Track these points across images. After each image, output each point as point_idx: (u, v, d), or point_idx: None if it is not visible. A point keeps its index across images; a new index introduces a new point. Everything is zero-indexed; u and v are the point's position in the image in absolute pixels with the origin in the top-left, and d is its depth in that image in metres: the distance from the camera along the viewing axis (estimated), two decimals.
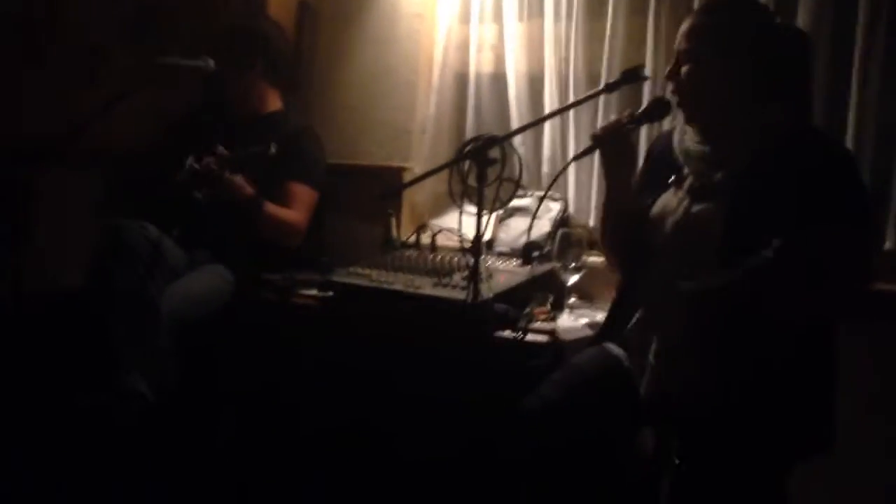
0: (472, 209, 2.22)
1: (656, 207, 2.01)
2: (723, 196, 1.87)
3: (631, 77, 2.10)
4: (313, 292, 2.69)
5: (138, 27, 3.83)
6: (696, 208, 1.92)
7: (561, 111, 2.81)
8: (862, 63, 2.44)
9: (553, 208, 2.91)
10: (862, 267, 1.80)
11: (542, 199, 2.48)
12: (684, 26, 1.97)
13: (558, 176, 2.32)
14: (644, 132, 2.70)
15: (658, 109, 2.07)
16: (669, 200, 1.99)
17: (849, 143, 2.45)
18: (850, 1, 2.48)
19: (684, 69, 1.94)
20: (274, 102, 3.09)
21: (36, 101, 3.84)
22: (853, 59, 2.46)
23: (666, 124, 2.47)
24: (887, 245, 2.43)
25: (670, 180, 2.00)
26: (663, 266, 1.96)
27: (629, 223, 2.07)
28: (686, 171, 1.99)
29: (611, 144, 2.05)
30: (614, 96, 2.74)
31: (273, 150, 2.65)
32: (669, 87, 2.00)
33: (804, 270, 1.70)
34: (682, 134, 2.04)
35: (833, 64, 2.49)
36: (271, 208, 2.82)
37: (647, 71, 2.71)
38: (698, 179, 1.95)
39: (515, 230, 2.93)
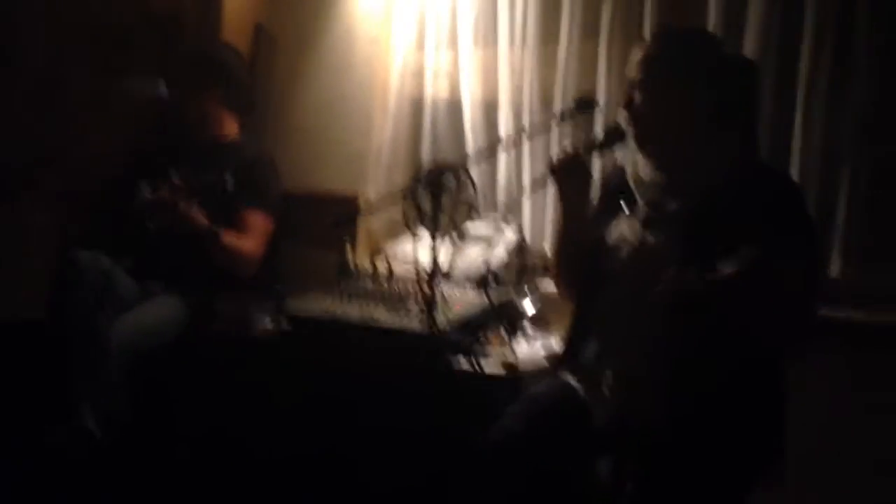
0: (428, 237, 2.21)
1: (611, 237, 2.02)
2: (676, 226, 1.90)
3: (583, 106, 2.12)
4: (267, 323, 2.66)
5: (94, 52, 3.80)
6: (649, 238, 1.94)
7: (515, 141, 2.83)
8: (806, 91, 2.49)
9: (508, 236, 2.91)
10: (809, 288, 1.83)
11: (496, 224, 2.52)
12: (637, 55, 1.99)
13: (511, 206, 2.34)
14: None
15: (613, 137, 2.08)
16: (623, 230, 2.00)
17: (794, 171, 2.49)
18: (795, 27, 2.52)
19: (637, 99, 1.96)
20: (231, 128, 3.06)
21: None
22: (797, 86, 2.50)
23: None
24: (832, 273, 2.47)
25: (625, 210, 2.02)
26: (617, 295, 1.97)
27: (583, 253, 2.07)
28: (640, 201, 2.00)
29: (567, 174, 2.07)
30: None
31: (228, 179, 2.63)
32: (623, 114, 2.02)
33: (768, 285, 1.74)
34: (634, 164, 2.05)
35: (778, 92, 2.54)
36: (226, 238, 2.80)
37: (600, 96, 2.77)
38: (652, 210, 1.97)
39: (472, 258, 2.91)
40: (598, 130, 2.55)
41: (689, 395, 1.82)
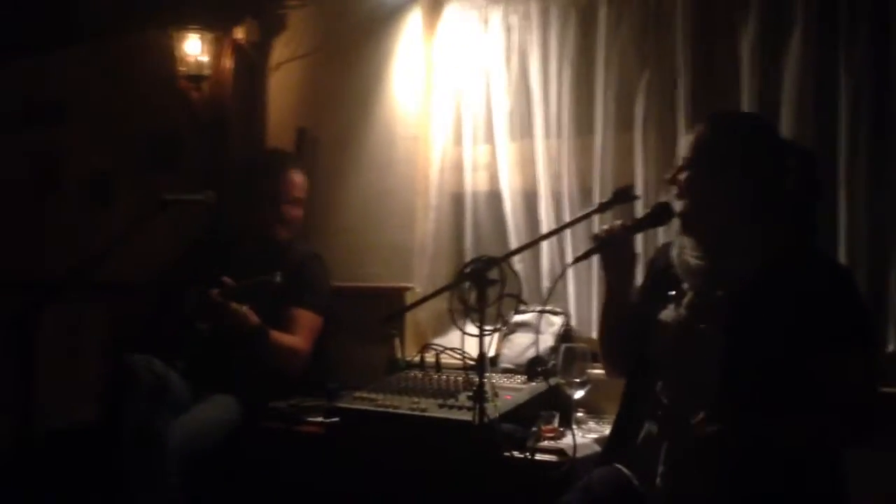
0: (475, 328, 2.23)
1: (660, 320, 2.01)
2: (723, 315, 1.88)
3: (622, 196, 2.15)
4: (319, 419, 2.68)
5: (147, 159, 3.97)
6: (696, 326, 1.92)
7: (556, 231, 2.87)
8: (847, 169, 2.50)
9: (555, 322, 2.93)
10: (873, 389, 1.83)
11: (542, 311, 2.55)
12: (693, 133, 2.00)
13: (557, 281, 2.43)
14: (643, 238, 2.75)
15: (660, 215, 2.07)
16: (670, 315, 1.99)
17: (842, 250, 2.48)
18: (831, 107, 2.54)
19: (683, 175, 1.96)
20: (282, 230, 3.14)
21: (48, 233, 3.95)
22: (838, 165, 2.51)
23: (662, 236, 2.53)
24: (890, 348, 2.43)
25: (671, 293, 2.01)
26: (667, 385, 1.97)
27: (627, 329, 2.08)
28: (686, 286, 1.99)
29: (611, 247, 2.08)
30: None
31: (278, 279, 2.69)
32: (672, 191, 2.02)
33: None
34: (680, 247, 2.04)
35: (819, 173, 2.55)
36: (276, 336, 2.85)
37: (638, 185, 2.80)
38: (698, 296, 1.95)
39: (519, 346, 2.94)
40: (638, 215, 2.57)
41: (744, 489, 1.79)
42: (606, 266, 2.13)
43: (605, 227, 2.10)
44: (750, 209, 1.93)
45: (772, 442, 1.79)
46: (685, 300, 1.97)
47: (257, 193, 3.10)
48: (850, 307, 1.84)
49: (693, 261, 1.98)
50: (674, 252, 2.06)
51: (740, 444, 1.78)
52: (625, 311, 2.10)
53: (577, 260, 2.23)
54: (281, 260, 2.98)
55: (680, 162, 2.00)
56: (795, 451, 1.81)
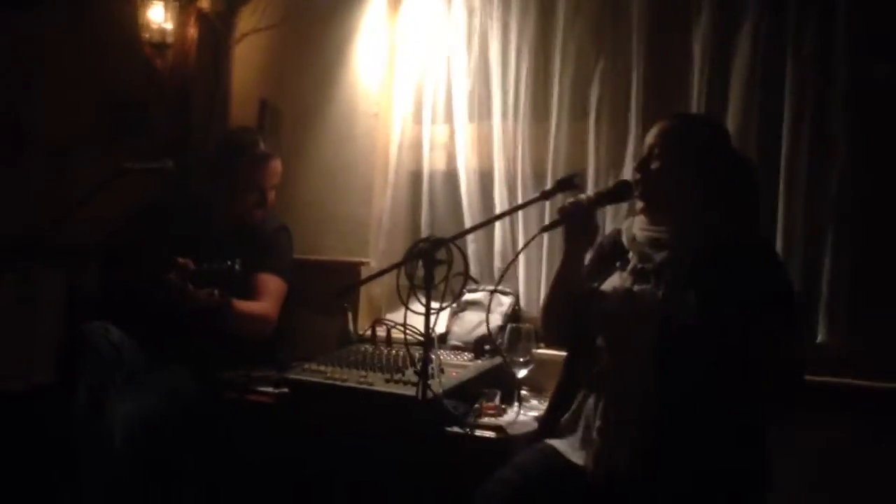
0: (422, 306, 2.30)
1: (603, 287, 2.15)
2: (663, 276, 2.04)
3: (565, 185, 2.24)
4: (269, 389, 2.74)
5: (106, 127, 3.96)
6: (637, 287, 2.07)
7: (504, 215, 2.94)
8: (788, 168, 2.59)
9: (504, 303, 3.00)
10: (796, 346, 1.99)
11: (493, 291, 2.67)
12: (658, 126, 2.19)
13: (518, 254, 2.75)
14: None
15: (621, 191, 2.24)
16: (614, 282, 2.14)
17: (779, 241, 2.58)
18: (777, 103, 2.63)
19: (654, 165, 2.14)
20: (260, 213, 3.17)
21: (4, 201, 3.93)
22: (780, 164, 2.61)
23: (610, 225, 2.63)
24: (819, 338, 2.54)
25: (617, 264, 2.17)
26: (608, 343, 2.10)
27: (573, 301, 2.20)
28: (631, 255, 2.15)
29: (575, 220, 2.20)
30: None
31: (237, 267, 2.71)
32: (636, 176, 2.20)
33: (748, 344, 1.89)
34: (629, 224, 2.23)
35: (761, 170, 2.63)
36: (240, 305, 2.88)
37: (590, 170, 2.88)
38: (641, 261, 2.12)
39: (469, 323, 3.01)
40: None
41: (678, 447, 1.93)
42: (569, 236, 2.23)
43: (571, 199, 2.22)
44: (700, 196, 2.12)
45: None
46: (629, 266, 2.13)
47: (243, 179, 3.10)
48: (779, 275, 2.04)
49: (640, 232, 2.17)
50: (623, 228, 2.24)
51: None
52: (576, 282, 2.23)
53: (543, 230, 2.38)
54: (255, 235, 3.05)
55: (645, 150, 2.18)
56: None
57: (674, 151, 2.14)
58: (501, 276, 2.90)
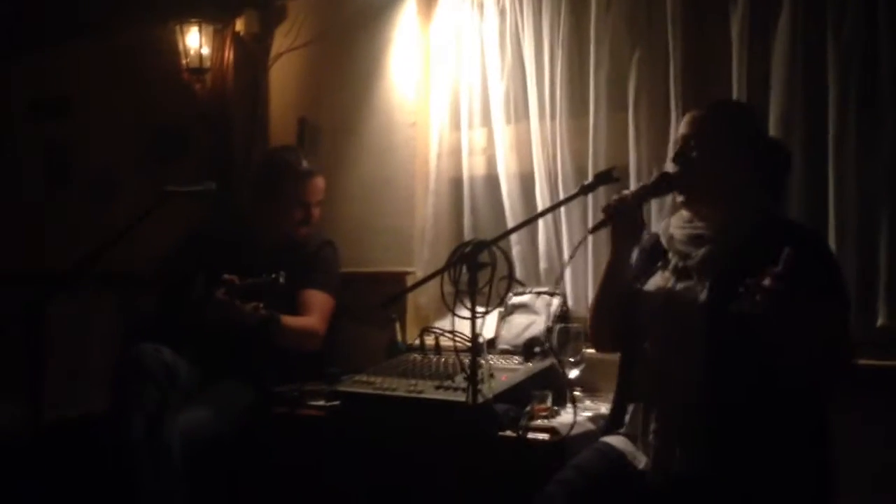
0: (468, 311, 2.27)
1: (646, 287, 2.12)
2: (705, 272, 1.99)
3: (604, 179, 2.20)
4: (321, 403, 2.74)
5: (152, 151, 4.03)
6: (679, 286, 2.03)
7: (546, 212, 2.90)
8: (836, 148, 2.51)
9: (552, 303, 2.96)
10: (847, 338, 1.91)
11: (540, 292, 2.66)
12: (690, 115, 2.15)
13: (576, 249, 2.66)
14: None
15: (663, 184, 2.18)
16: (657, 282, 2.10)
17: (831, 223, 2.50)
18: (820, 88, 2.55)
19: (694, 154, 2.08)
20: (306, 230, 3.19)
21: (54, 229, 4.02)
22: (827, 145, 2.53)
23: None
24: (880, 321, 2.45)
25: (659, 264, 2.13)
26: (655, 346, 2.05)
27: (621, 302, 2.17)
28: (671, 254, 2.11)
29: (620, 218, 2.17)
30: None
31: (282, 280, 2.74)
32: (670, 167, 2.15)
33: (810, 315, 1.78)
34: (666, 224, 2.17)
35: (809, 152, 2.57)
36: (288, 320, 2.91)
37: (630, 163, 2.83)
38: (681, 259, 2.07)
39: (517, 327, 2.97)
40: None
41: (734, 440, 1.88)
42: (616, 234, 2.20)
43: (615, 196, 2.19)
44: (742, 179, 2.07)
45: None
46: (670, 266, 2.09)
47: (287, 197, 3.13)
48: (826, 265, 1.96)
49: (677, 231, 2.12)
50: (661, 227, 2.19)
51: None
52: (624, 282, 2.19)
53: (591, 231, 2.39)
54: (301, 252, 3.08)
55: (679, 140, 2.13)
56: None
57: (711, 138, 2.08)
58: (558, 281, 2.89)
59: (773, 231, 1.98)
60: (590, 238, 2.90)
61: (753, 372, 1.88)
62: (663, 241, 2.15)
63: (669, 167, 2.18)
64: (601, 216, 2.21)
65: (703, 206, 2.10)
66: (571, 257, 2.82)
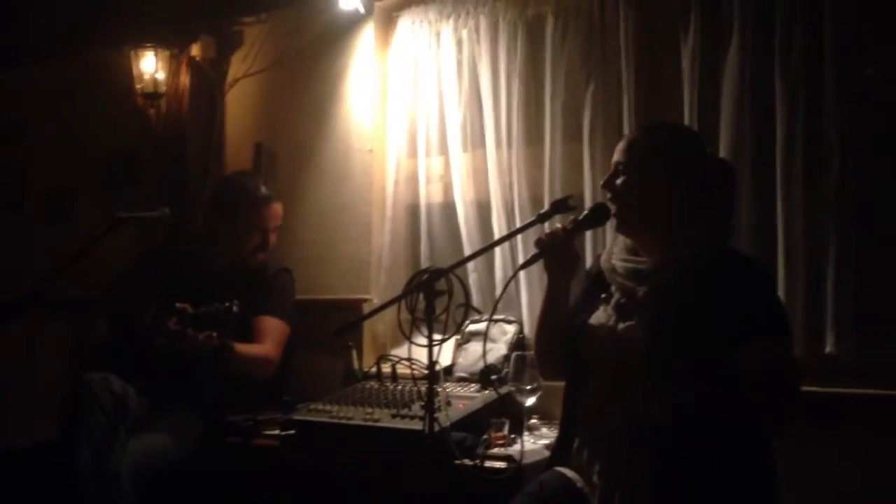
0: (425, 339, 2.27)
1: (590, 323, 2.08)
2: (646, 313, 1.96)
3: (560, 207, 2.19)
4: (276, 432, 2.71)
5: (106, 176, 3.98)
6: (621, 325, 2.00)
7: (503, 240, 2.93)
8: (784, 179, 2.57)
9: (509, 331, 2.97)
10: (795, 374, 1.90)
11: (493, 320, 2.62)
12: (624, 141, 2.09)
13: (505, 289, 2.62)
14: (590, 242, 2.85)
15: (598, 215, 2.15)
16: (599, 317, 2.07)
17: (780, 253, 2.56)
18: (768, 117, 2.62)
19: (619, 180, 2.05)
20: (262, 255, 3.17)
21: (5, 254, 3.94)
22: (775, 173, 2.59)
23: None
24: (827, 349, 2.51)
25: (602, 296, 2.09)
26: (597, 385, 2.03)
27: (562, 334, 2.14)
28: (613, 288, 2.07)
29: (554, 251, 2.14)
30: None
31: (235, 308, 2.71)
32: (603, 193, 2.11)
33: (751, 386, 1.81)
34: (608, 253, 2.14)
35: (757, 183, 2.63)
36: (241, 348, 2.86)
37: (586, 192, 2.87)
38: (623, 296, 2.04)
39: (473, 355, 2.97)
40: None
41: (678, 491, 1.86)
42: (549, 269, 2.18)
43: (547, 231, 2.17)
44: (681, 208, 2.01)
45: (691, 405, 1.85)
46: (612, 301, 2.05)
47: (244, 222, 3.10)
48: (768, 301, 1.93)
49: (619, 263, 2.08)
50: (603, 257, 2.15)
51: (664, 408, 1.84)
52: (563, 314, 2.17)
53: (522, 266, 2.35)
54: (256, 278, 3.06)
55: (612, 167, 2.09)
56: (714, 420, 1.86)
57: (640, 162, 2.03)
58: (495, 307, 2.87)
59: (713, 266, 1.95)
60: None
61: (695, 418, 1.86)
62: (605, 272, 2.11)
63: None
64: (549, 229, 2.18)
65: (639, 234, 2.07)
66: (504, 289, 2.76)
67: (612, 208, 2.08)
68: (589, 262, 2.80)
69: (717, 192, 2.07)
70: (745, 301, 1.87)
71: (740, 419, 1.88)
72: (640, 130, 2.14)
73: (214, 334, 2.76)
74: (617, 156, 2.08)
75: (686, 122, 2.71)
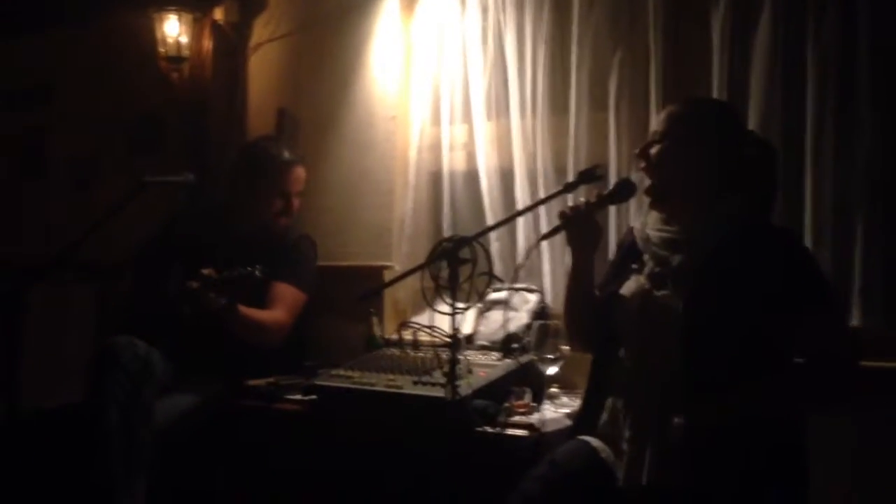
0: (448, 307, 2.27)
1: (622, 291, 2.08)
2: (681, 281, 1.95)
3: (587, 177, 2.19)
4: (297, 397, 2.73)
5: (129, 140, 3.99)
6: (656, 294, 1.99)
7: (523, 212, 2.90)
8: (813, 148, 2.53)
9: (531, 300, 2.97)
10: (853, 348, 1.90)
11: (515, 289, 2.62)
12: (668, 111, 2.09)
13: (525, 259, 2.60)
14: (613, 216, 2.82)
15: (623, 190, 2.16)
16: (630, 286, 2.06)
17: (808, 226, 2.53)
18: (799, 88, 2.57)
19: (654, 149, 2.04)
20: (285, 220, 3.18)
21: (32, 219, 3.97)
22: (805, 144, 2.55)
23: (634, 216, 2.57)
24: (853, 323, 2.47)
25: (634, 266, 2.09)
26: (630, 353, 2.03)
27: (591, 305, 2.15)
28: (647, 257, 2.07)
29: (576, 224, 2.14)
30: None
31: (258, 273, 2.70)
32: (636, 167, 2.11)
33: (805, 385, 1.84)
34: (642, 223, 2.13)
35: (786, 154, 2.58)
36: (246, 311, 2.84)
37: (611, 162, 2.85)
38: (658, 265, 2.03)
39: (495, 323, 2.97)
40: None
41: (711, 453, 1.85)
42: (572, 242, 2.18)
43: (571, 204, 2.15)
44: (715, 182, 2.01)
45: (738, 418, 1.85)
46: (646, 270, 2.05)
47: (267, 186, 3.11)
48: (817, 272, 1.93)
49: (654, 233, 2.07)
50: (636, 228, 2.15)
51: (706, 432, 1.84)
52: (589, 287, 2.17)
53: (543, 237, 2.33)
54: (277, 244, 3.06)
55: (650, 136, 2.08)
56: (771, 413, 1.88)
57: (678, 133, 2.02)
58: (515, 275, 2.86)
59: (751, 236, 1.94)
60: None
61: (730, 384, 1.86)
62: (639, 242, 2.11)
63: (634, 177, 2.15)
64: (573, 203, 2.18)
65: (672, 207, 2.07)
66: (525, 259, 2.78)
67: (647, 179, 2.07)
68: (612, 236, 2.80)
69: (756, 169, 2.06)
70: (788, 270, 1.87)
71: (803, 407, 1.90)
72: (683, 101, 2.14)
73: (222, 299, 2.74)
74: (657, 125, 2.08)
75: (715, 92, 2.66)
